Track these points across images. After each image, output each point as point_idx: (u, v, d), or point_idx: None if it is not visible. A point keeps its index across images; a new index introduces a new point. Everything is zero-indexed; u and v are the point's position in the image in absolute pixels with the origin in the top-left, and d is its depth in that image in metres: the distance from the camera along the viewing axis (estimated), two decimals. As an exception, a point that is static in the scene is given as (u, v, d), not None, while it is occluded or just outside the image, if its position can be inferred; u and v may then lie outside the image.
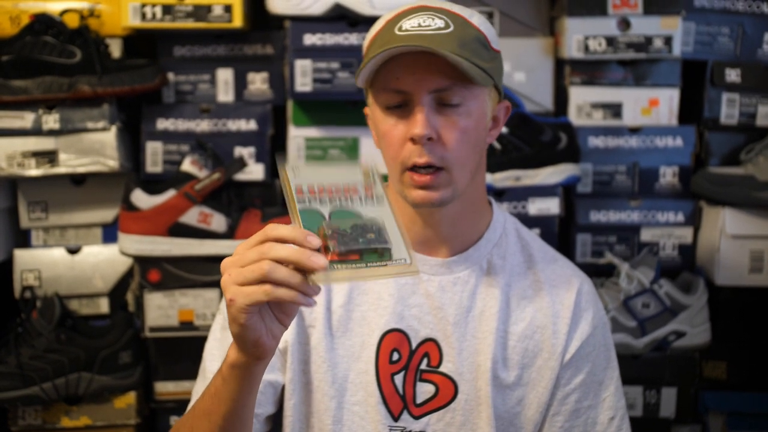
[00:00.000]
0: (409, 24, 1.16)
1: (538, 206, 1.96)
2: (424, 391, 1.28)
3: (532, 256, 1.34)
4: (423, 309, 1.28)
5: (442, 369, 1.28)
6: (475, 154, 1.22)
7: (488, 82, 1.18)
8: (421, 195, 1.19)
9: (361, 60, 1.89)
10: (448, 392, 1.28)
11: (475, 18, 1.21)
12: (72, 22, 1.95)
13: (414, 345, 1.28)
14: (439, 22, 1.15)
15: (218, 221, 1.93)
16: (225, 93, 2.05)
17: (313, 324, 1.29)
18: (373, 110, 1.23)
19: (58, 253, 2.05)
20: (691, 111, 2.08)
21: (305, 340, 1.29)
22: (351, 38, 1.93)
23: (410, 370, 1.28)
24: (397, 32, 1.16)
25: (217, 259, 1.94)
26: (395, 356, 1.28)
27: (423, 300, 1.28)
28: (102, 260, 2.05)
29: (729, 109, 2.05)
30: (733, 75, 2.04)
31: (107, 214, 2.05)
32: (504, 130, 1.92)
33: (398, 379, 1.27)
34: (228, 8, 1.93)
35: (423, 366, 1.28)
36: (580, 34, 1.98)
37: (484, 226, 1.32)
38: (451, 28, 1.15)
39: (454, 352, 1.27)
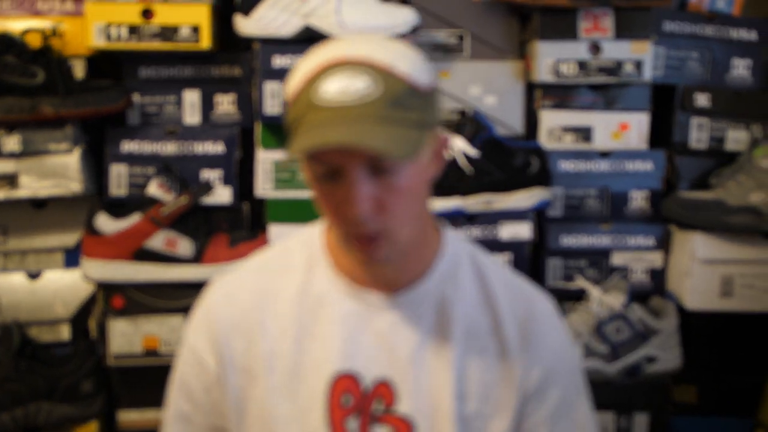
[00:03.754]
0: (329, 89, 1.04)
1: (509, 231, 1.95)
2: None
3: (488, 284, 1.26)
4: (374, 350, 1.22)
5: (397, 411, 1.22)
6: (418, 204, 1.15)
7: (420, 144, 1.08)
8: (365, 255, 1.13)
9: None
10: None
11: (403, 62, 1.08)
12: (34, 41, 1.90)
13: (366, 387, 1.22)
14: (362, 85, 1.04)
15: (184, 246, 1.89)
16: (191, 115, 2.02)
17: (257, 379, 1.23)
18: (303, 169, 1.15)
19: (18, 279, 1.99)
20: (660, 135, 2.08)
21: (244, 396, 1.24)
22: (321, 60, 1.90)
23: (364, 414, 1.21)
24: (318, 100, 1.05)
25: (184, 285, 1.91)
26: (346, 400, 1.21)
27: (373, 339, 1.22)
28: (63, 286, 1.99)
29: (698, 134, 2.06)
30: (702, 99, 2.05)
31: (69, 239, 2.00)
32: (476, 153, 1.91)
33: (351, 424, 1.21)
34: (196, 29, 1.90)
35: (377, 408, 1.22)
36: (551, 58, 1.98)
37: (434, 256, 1.25)
38: (376, 90, 1.04)
39: (410, 391, 1.21)
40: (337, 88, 1.05)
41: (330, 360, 1.21)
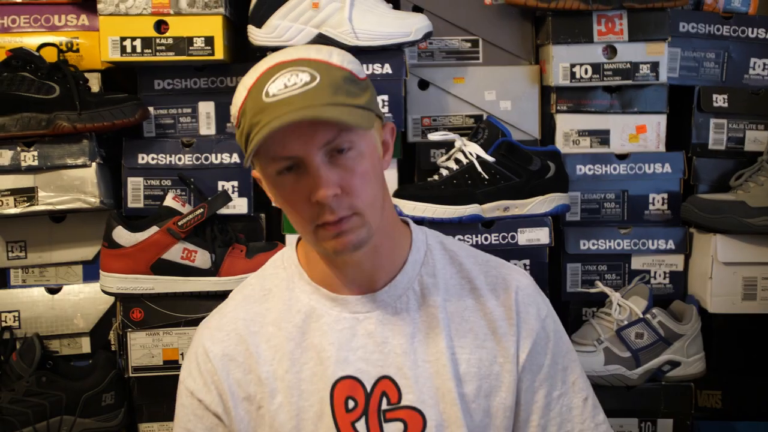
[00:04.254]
0: (275, 87, 1.11)
1: (527, 236, 1.93)
2: (393, 430, 1.24)
3: (462, 265, 1.32)
4: (368, 349, 1.25)
5: (403, 403, 1.25)
6: (379, 189, 1.20)
7: (371, 120, 1.16)
8: (339, 244, 1.16)
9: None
10: (416, 424, 1.24)
11: (335, 56, 1.17)
12: (50, 56, 1.92)
13: (368, 387, 1.24)
14: (304, 77, 1.11)
15: (202, 257, 1.89)
16: (207, 126, 2.02)
17: (261, 404, 1.25)
18: (263, 177, 1.20)
19: (38, 293, 2.00)
20: (678, 137, 2.07)
21: (253, 424, 1.26)
22: (334, 69, 1.90)
23: (371, 414, 1.24)
24: (266, 99, 1.11)
25: (202, 296, 1.91)
26: (351, 404, 1.24)
27: (365, 340, 1.25)
28: (83, 299, 2.00)
29: (717, 135, 2.04)
30: (720, 100, 2.03)
31: (88, 252, 2.01)
32: (491, 159, 1.89)
33: (360, 426, 1.24)
34: (209, 41, 1.90)
35: (384, 406, 1.24)
36: (565, 62, 1.97)
37: (406, 249, 1.30)
38: (318, 79, 1.11)
39: (411, 382, 1.24)
40: (280, 84, 1.11)
41: (328, 369, 1.24)
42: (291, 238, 1.96)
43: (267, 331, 1.27)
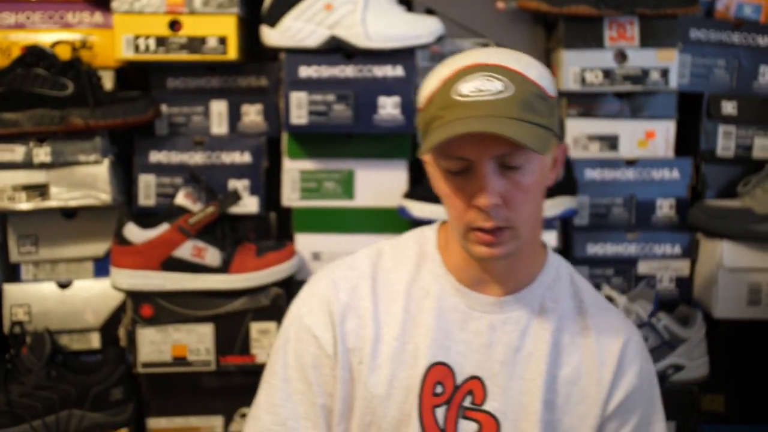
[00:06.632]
0: (467, 88, 1.15)
1: (535, 239, 1.95)
2: (466, 428, 1.28)
3: (583, 302, 1.33)
4: (470, 346, 1.28)
5: (485, 407, 1.28)
6: (537, 205, 1.24)
7: (549, 142, 1.18)
8: (486, 251, 1.20)
9: (356, 94, 1.92)
10: (490, 431, 1.28)
11: (532, 70, 1.18)
12: (64, 53, 1.94)
13: (459, 380, 1.28)
14: (498, 85, 1.14)
15: (212, 255, 1.91)
16: (219, 125, 2.03)
17: (362, 360, 1.29)
18: (433, 170, 1.24)
19: (49, 288, 2.02)
20: (687, 143, 2.08)
21: (352, 377, 1.30)
22: (347, 70, 1.92)
23: (453, 406, 1.28)
24: (456, 97, 1.15)
25: (211, 294, 1.93)
26: (438, 389, 1.28)
27: (471, 337, 1.29)
28: (93, 295, 2.02)
29: (725, 141, 2.05)
30: (729, 107, 2.04)
31: (99, 248, 2.02)
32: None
33: (440, 412, 1.28)
34: (222, 40, 1.91)
35: (466, 403, 1.28)
36: (576, 66, 1.98)
37: (539, 269, 1.32)
38: (511, 90, 1.14)
39: (500, 390, 1.28)
40: (473, 86, 1.14)
41: (429, 350, 1.28)
42: (302, 238, 1.98)
43: (389, 297, 1.31)
